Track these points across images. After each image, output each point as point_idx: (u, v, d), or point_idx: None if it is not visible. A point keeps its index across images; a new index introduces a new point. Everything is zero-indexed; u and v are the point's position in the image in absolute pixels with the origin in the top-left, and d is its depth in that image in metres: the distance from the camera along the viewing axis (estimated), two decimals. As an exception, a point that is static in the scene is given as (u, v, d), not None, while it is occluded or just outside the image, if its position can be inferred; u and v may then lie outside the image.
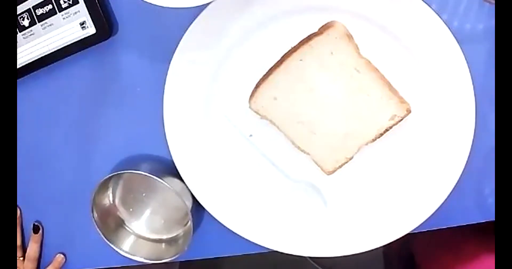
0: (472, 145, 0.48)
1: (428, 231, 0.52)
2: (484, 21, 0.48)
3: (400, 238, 0.51)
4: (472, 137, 0.48)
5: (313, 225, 0.53)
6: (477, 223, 0.53)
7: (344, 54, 0.46)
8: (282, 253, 0.53)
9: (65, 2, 0.52)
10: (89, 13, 0.52)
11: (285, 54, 0.48)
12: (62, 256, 0.64)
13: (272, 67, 0.49)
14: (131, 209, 0.60)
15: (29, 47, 0.55)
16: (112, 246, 0.57)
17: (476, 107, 0.47)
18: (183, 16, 0.49)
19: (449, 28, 0.46)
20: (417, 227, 0.50)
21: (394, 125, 0.48)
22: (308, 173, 0.52)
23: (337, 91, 0.48)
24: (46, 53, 0.55)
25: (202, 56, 0.50)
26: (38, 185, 0.62)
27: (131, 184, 0.59)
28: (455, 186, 0.49)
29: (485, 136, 0.49)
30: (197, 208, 0.54)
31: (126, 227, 0.60)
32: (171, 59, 0.50)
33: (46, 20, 0.53)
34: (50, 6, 0.53)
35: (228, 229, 0.53)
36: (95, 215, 0.57)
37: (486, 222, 0.52)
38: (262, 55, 0.49)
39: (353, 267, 0.65)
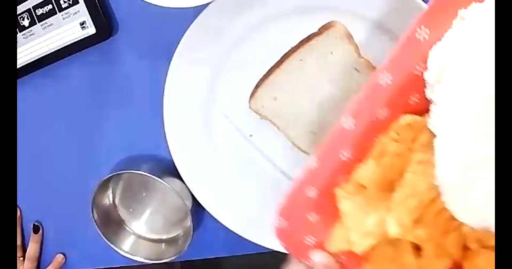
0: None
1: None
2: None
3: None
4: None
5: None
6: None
7: (344, 54, 0.46)
8: (282, 253, 0.53)
9: (65, 2, 0.52)
10: (89, 13, 0.52)
11: (285, 54, 0.48)
12: (62, 256, 0.64)
13: (272, 67, 0.49)
14: (131, 209, 0.60)
15: (29, 47, 0.55)
16: (112, 246, 0.57)
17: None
18: (183, 16, 0.49)
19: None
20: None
21: (394, 125, 0.48)
22: (308, 173, 0.52)
23: (337, 91, 0.48)
24: (46, 53, 0.55)
25: (202, 56, 0.50)
26: (38, 185, 0.62)
27: (131, 184, 0.59)
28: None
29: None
30: (197, 208, 0.54)
31: (126, 227, 0.60)
32: (171, 59, 0.50)
33: (46, 20, 0.53)
34: (50, 6, 0.53)
35: (228, 229, 0.53)
36: (95, 215, 0.57)
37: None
38: (262, 55, 0.49)
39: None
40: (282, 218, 0.39)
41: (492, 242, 0.35)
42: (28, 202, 0.63)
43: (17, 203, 0.63)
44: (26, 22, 0.54)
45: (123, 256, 0.58)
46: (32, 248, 0.63)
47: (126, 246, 0.59)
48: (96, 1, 0.51)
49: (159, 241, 0.60)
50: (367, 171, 0.37)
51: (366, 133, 0.37)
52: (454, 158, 0.33)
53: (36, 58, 0.55)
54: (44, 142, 0.60)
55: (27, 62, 0.56)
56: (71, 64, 0.56)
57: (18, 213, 0.63)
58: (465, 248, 0.36)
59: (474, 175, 0.33)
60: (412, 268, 0.38)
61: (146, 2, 0.44)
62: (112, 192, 0.59)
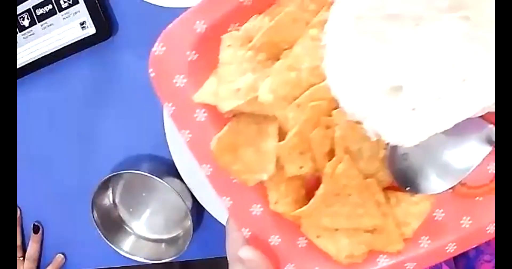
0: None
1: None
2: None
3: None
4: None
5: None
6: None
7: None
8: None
9: (65, 2, 0.52)
10: (89, 13, 0.51)
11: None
12: (62, 256, 0.64)
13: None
14: (131, 209, 0.60)
15: (29, 47, 0.55)
16: (112, 246, 0.57)
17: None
18: (183, 16, 0.49)
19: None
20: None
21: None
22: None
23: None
24: (46, 53, 0.55)
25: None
26: (38, 185, 0.62)
27: (131, 184, 0.59)
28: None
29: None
30: (197, 208, 0.54)
31: (126, 227, 0.60)
32: (171, 59, 0.50)
33: (46, 20, 0.53)
34: (50, 6, 0.53)
35: (228, 229, 0.53)
36: (95, 215, 0.57)
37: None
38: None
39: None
40: (162, 43, 0.36)
41: (356, 146, 0.34)
42: (28, 202, 0.63)
43: (17, 203, 0.63)
44: (26, 22, 0.54)
45: (123, 256, 0.58)
46: (32, 248, 0.63)
47: (126, 246, 0.59)
48: (96, 1, 0.51)
49: (159, 241, 0.60)
50: (259, 23, 0.35)
51: None
52: (345, 29, 0.30)
53: (36, 58, 0.55)
54: (44, 142, 0.60)
55: (27, 62, 0.56)
56: (71, 64, 0.56)
57: (18, 213, 0.63)
58: (331, 155, 0.35)
59: (362, 54, 0.30)
60: (268, 155, 0.35)
61: (146, 2, 0.44)
62: (112, 192, 0.59)
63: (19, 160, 0.59)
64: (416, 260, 0.37)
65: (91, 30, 0.52)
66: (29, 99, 0.59)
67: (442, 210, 0.37)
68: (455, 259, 0.55)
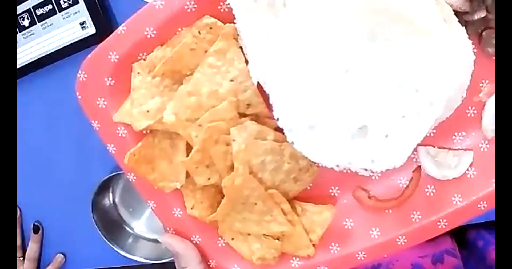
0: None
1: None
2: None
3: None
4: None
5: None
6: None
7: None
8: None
9: (65, 2, 0.52)
10: (89, 13, 0.51)
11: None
12: (62, 256, 0.64)
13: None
14: (131, 209, 0.60)
15: (29, 47, 0.55)
16: (112, 246, 0.57)
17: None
18: (183, 16, 0.49)
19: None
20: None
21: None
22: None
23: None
24: (46, 53, 0.55)
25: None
26: (38, 185, 0.62)
27: (131, 184, 0.59)
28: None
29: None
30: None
31: (126, 227, 0.60)
32: (171, 59, 0.50)
33: (46, 20, 0.53)
34: (50, 6, 0.53)
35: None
36: (95, 215, 0.57)
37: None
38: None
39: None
40: (84, 71, 0.41)
41: (258, 159, 0.38)
42: (28, 202, 0.63)
43: (17, 203, 0.63)
44: (26, 22, 0.54)
45: (123, 256, 0.58)
46: (32, 248, 0.63)
47: (126, 246, 0.59)
48: (96, 1, 0.51)
49: (159, 241, 0.60)
50: (161, 53, 0.39)
51: (174, 19, 0.38)
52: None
53: (36, 58, 0.55)
54: (44, 142, 0.60)
55: (27, 62, 0.56)
56: (71, 64, 0.55)
57: (18, 213, 0.63)
58: (233, 168, 0.38)
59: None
60: (179, 167, 0.40)
61: (146, 2, 0.44)
62: (112, 192, 0.59)
63: (19, 160, 0.59)
64: (327, 264, 0.41)
65: (91, 30, 0.52)
66: (29, 99, 0.59)
67: (351, 219, 0.41)
68: (467, 250, 0.56)
